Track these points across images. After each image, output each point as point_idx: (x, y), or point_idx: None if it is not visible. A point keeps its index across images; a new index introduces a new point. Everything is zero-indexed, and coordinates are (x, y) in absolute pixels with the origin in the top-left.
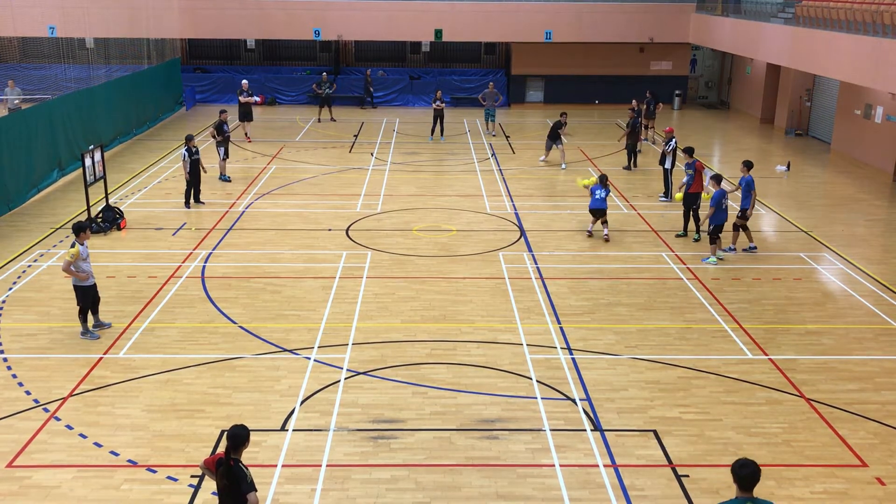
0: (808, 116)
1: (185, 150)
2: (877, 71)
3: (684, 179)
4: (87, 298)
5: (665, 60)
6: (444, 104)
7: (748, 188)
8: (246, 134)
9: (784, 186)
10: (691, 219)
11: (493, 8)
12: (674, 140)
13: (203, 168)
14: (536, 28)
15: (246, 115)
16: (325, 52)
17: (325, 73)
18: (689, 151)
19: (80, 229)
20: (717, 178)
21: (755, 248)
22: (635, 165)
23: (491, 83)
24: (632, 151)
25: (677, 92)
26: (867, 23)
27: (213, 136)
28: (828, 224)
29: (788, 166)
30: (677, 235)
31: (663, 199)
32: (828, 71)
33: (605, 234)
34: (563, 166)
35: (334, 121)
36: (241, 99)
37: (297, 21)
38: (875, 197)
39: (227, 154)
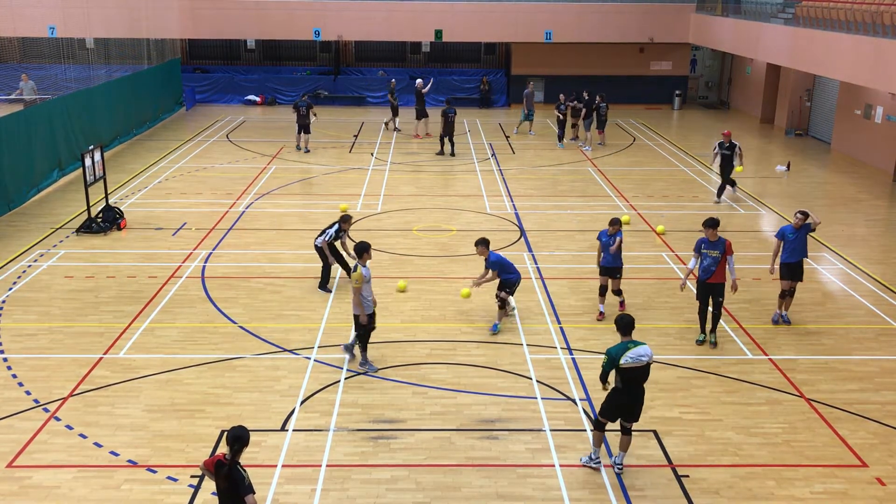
0: (808, 116)
1: (336, 230)
2: (877, 71)
3: (691, 264)
4: (368, 326)
5: (665, 60)
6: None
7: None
8: (417, 132)
9: (784, 186)
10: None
11: (493, 8)
12: (737, 145)
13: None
14: (536, 28)
15: (422, 112)
16: (325, 52)
17: (393, 81)
18: (712, 224)
19: (362, 249)
20: (712, 222)
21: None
22: (453, 154)
23: (531, 83)
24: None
25: (677, 92)
26: (867, 23)
27: (315, 115)
28: (828, 224)
29: (788, 166)
30: (698, 342)
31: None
32: (828, 71)
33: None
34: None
35: (399, 130)
36: (424, 91)
37: (297, 21)
38: (875, 197)
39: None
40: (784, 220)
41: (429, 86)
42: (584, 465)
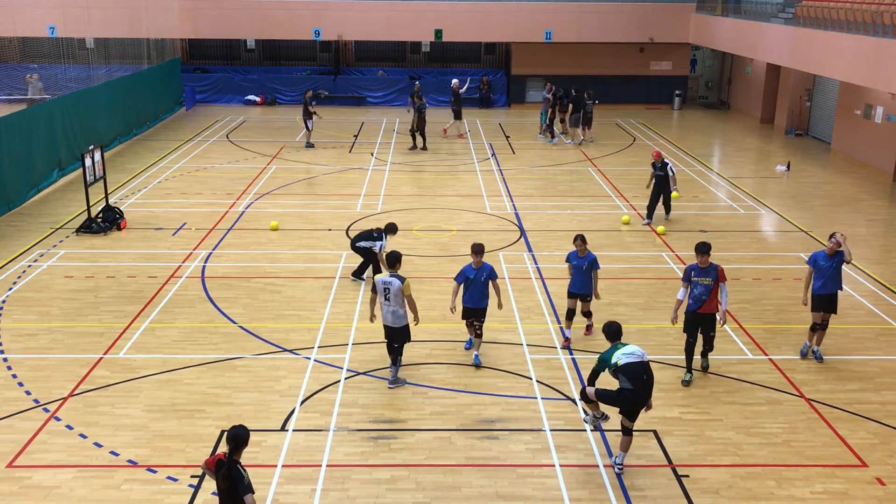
0: (808, 116)
1: (381, 243)
2: (877, 71)
3: (680, 294)
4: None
5: (665, 60)
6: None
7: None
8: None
9: (784, 186)
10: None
11: (493, 8)
12: (668, 165)
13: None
14: (536, 28)
15: (458, 112)
16: (325, 52)
17: (417, 83)
18: (704, 249)
19: (395, 259)
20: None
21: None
22: (425, 149)
23: (548, 83)
24: (420, 134)
25: (677, 92)
26: (867, 23)
27: (314, 114)
28: (828, 224)
29: (788, 166)
30: (684, 382)
31: (647, 222)
32: (828, 71)
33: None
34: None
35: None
36: (461, 92)
37: (297, 21)
38: (875, 197)
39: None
40: (784, 219)
41: (465, 86)
42: (595, 429)
